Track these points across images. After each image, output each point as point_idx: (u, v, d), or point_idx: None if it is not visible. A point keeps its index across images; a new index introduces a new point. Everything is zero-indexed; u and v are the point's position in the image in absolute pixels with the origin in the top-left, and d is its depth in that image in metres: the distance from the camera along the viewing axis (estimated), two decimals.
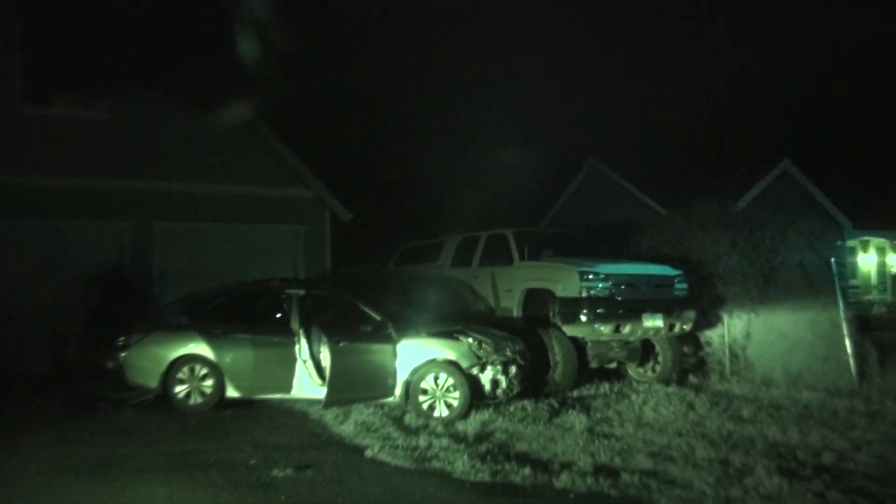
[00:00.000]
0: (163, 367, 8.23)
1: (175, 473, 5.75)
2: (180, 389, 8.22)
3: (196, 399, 8.22)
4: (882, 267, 22.13)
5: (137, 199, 12.75)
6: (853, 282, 19.83)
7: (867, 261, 21.72)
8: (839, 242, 17.21)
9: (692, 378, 9.86)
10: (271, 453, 6.34)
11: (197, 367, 8.25)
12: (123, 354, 8.39)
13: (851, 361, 9.29)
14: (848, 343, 9.37)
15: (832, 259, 10.12)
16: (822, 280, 9.95)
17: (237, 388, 8.24)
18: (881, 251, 22.07)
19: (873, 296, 20.71)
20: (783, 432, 6.79)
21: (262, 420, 7.89)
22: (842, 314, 9.54)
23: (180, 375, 8.24)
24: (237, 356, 8.24)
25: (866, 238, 21.14)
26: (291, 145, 14.01)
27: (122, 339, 8.53)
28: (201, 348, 8.27)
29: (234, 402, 8.34)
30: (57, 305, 11.39)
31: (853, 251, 20.84)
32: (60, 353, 11.09)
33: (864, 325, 10.77)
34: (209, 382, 8.23)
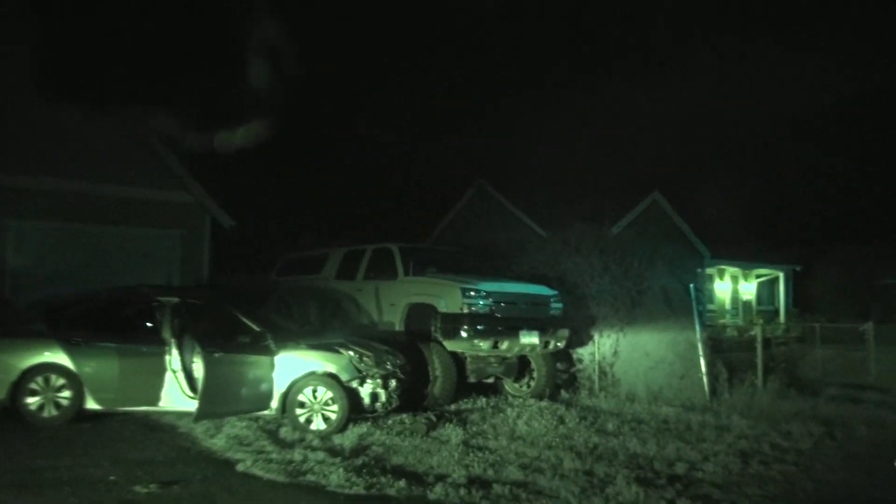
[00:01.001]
0: (12, 377, 7.59)
1: (22, 492, 5.32)
2: (32, 401, 7.61)
3: (51, 411, 7.62)
4: (735, 294, 24.29)
5: None
6: (710, 306, 21.53)
7: (722, 287, 23.73)
8: (699, 270, 18.67)
9: (564, 393, 10.34)
10: (134, 469, 6.00)
11: (53, 378, 7.66)
12: None
13: (705, 380, 10.12)
14: (703, 363, 10.21)
15: (692, 285, 11.00)
16: (682, 304, 10.80)
17: (99, 399, 7.72)
18: (735, 279, 24.22)
19: (727, 320, 22.59)
20: (643, 445, 7.29)
21: (124, 434, 7.43)
22: (698, 336, 10.41)
23: (33, 386, 7.63)
24: (100, 366, 7.73)
25: (723, 267, 23.11)
26: (172, 147, 13.38)
27: None
28: (59, 357, 7.69)
29: (94, 414, 7.81)
30: None
31: (711, 278, 22.68)
32: None
33: (717, 346, 11.78)
34: (66, 394, 7.66)
